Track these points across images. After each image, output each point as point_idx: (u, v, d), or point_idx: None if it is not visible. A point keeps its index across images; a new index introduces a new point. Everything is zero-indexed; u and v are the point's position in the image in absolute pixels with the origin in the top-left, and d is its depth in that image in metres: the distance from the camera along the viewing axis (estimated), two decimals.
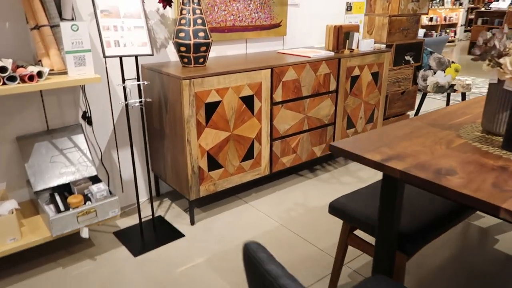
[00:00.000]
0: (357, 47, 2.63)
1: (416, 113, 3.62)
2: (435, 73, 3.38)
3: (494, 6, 7.85)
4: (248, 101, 2.11)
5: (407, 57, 3.19)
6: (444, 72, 3.36)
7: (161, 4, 2.09)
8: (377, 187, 1.62)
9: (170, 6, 1.95)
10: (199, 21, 1.92)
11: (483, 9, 8.04)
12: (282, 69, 2.21)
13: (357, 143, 1.22)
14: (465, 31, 10.41)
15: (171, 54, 2.24)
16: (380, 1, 3.01)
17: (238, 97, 2.06)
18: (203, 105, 1.94)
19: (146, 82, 1.99)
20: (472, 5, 10.00)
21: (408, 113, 3.46)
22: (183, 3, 1.91)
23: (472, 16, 9.91)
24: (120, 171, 2.24)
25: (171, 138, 2.05)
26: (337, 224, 2.16)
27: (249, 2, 2.40)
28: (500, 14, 7.71)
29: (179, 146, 1.99)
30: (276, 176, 2.73)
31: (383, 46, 2.81)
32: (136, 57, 1.72)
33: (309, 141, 2.52)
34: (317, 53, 2.47)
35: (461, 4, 9.60)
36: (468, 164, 1.05)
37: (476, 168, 1.03)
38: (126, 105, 1.75)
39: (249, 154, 2.22)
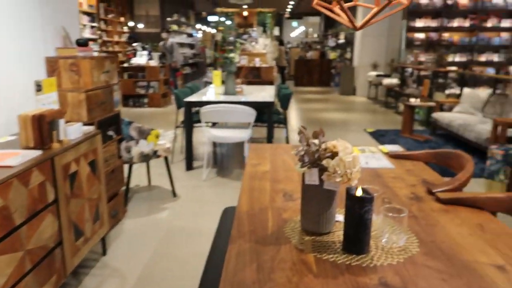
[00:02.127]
0: (65, 136, 2.05)
1: (127, 189, 3.31)
2: (137, 143, 3.20)
3: (134, 61, 8.58)
4: None
5: (109, 133, 2.84)
6: (146, 140, 3.23)
7: None
8: None
9: None
10: None
11: (126, 64, 8.62)
12: None
13: None
14: None
15: None
16: (67, 74, 2.50)
17: None
18: None
19: None
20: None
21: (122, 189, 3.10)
22: None
23: None
24: None
25: None
26: None
27: None
28: (141, 68, 8.51)
29: None
30: None
31: (91, 128, 2.35)
32: None
33: (36, 283, 1.73)
34: (15, 155, 1.73)
35: None
36: None
37: None
38: None
39: None
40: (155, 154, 3.30)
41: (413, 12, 9.54)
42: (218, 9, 13.00)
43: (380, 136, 5.83)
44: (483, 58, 9.93)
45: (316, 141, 1.17)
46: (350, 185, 1.13)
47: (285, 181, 1.71)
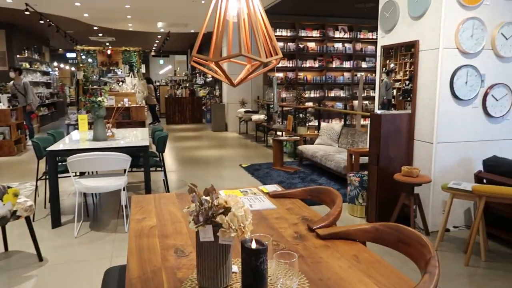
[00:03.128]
0: None
1: None
2: None
3: None
4: None
5: None
6: (2, 200, 2.79)
7: None
8: None
9: None
10: None
11: None
12: None
13: None
14: None
15: None
16: None
17: None
18: None
19: None
20: None
21: None
22: None
23: None
24: None
25: None
26: None
27: None
28: None
29: None
30: None
31: None
32: None
33: None
34: None
35: None
36: None
37: None
38: None
39: None
40: (14, 215, 2.87)
41: None
42: (78, 47, 12.26)
43: (255, 171, 6.13)
44: (332, 94, 11.43)
45: (208, 198, 1.19)
46: (244, 238, 1.17)
47: (174, 235, 1.67)
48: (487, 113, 3.61)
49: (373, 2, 9.48)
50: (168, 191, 4.67)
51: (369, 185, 3.89)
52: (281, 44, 10.71)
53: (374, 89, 11.77)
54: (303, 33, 10.95)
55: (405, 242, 1.45)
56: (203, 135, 10.69)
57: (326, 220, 1.72)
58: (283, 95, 9.99)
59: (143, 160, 4.04)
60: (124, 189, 3.72)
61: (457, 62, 3.46)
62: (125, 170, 3.74)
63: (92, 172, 4.69)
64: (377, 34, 12.06)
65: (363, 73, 11.45)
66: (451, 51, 3.43)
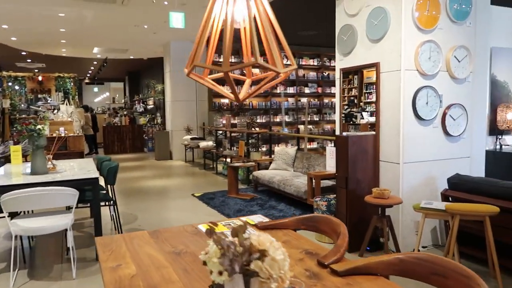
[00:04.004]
0: None
1: None
2: None
3: None
4: None
5: None
6: None
7: None
8: None
9: None
10: None
11: None
12: None
13: None
14: None
15: None
16: None
17: None
18: None
19: None
20: None
21: None
22: None
23: None
24: None
25: None
26: None
27: None
28: None
29: None
30: None
31: None
32: None
33: None
34: None
35: None
36: None
37: None
38: None
39: None
40: None
41: (217, 80, 10.41)
42: (4, 73, 11.21)
43: (210, 200, 5.81)
44: (277, 119, 11.50)
45: (235, 240, 0.94)
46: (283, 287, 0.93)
47: (164, 285, 1.37)
48: (446, 132, 3.71)
49: (315, 30, 9.85)
50: (120, 228, 4.20)
51: (338, 209, 3.78)
52: None
53: (317, 113, 12.13)
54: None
55: (441, 274, 1.29)
56: (146, 165, 10.12)
57: (337, 253, 1.53)
58: (233, 121, 9.82)
59: (93, 194, 3.58)
60: (70, 229, 3.25)
61: (417, 83, 3.53)
62: (68, 207, 3.28)
63: (28, 211, 4.09)
64: (318, 61, 12.37)
65: (306, 99, 11.71)
66: (412, 73, 3.51)
